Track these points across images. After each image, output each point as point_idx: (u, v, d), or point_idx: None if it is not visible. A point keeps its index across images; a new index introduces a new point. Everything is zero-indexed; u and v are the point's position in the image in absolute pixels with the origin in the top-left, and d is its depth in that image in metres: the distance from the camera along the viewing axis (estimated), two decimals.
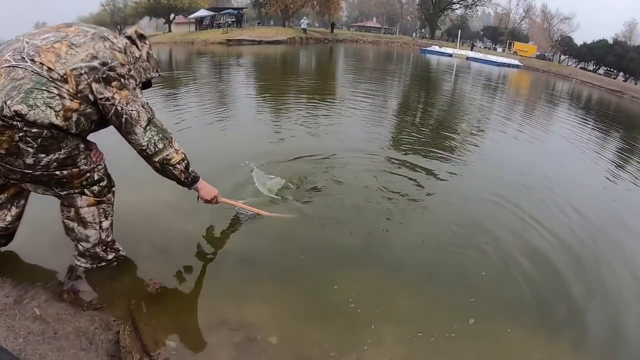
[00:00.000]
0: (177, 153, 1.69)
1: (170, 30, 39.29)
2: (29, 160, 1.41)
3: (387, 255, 2.27)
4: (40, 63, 1.36)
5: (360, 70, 14.34)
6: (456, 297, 1.99)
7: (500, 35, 47.47)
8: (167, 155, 1.65)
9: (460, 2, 44.34)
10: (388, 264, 2.19)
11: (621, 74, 37.58)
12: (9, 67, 1.34)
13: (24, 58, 1.36)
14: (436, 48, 29.22)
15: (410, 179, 3.43)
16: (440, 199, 3.10)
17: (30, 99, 1.31)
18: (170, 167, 1.69)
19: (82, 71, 1.40)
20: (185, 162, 1.75)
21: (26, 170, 1.44)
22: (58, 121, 1.37)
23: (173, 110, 5.47)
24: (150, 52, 1.75)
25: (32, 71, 1.34)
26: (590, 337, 1.87)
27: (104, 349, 1.40)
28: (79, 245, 1.76)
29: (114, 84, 1.48)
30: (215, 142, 4.12)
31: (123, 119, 1.53)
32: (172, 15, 40.37)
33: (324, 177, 3.21)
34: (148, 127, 1.58)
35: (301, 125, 5.03)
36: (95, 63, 1.43)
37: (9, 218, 1.71)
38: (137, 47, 1.69)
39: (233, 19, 32.90)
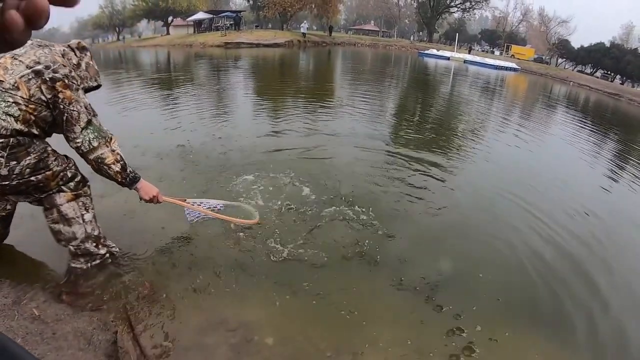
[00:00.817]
0: (112, 153, 1.73)
1: (168, 33, 39.39)
2: (3, 172, 1.50)
3: (385, 257, 2.28)
4: None
5: (358, 73, 14.38)
6: (454, 298, 2.00)
7: (497, 38, 47.66)
8: (101, 154, 1.70)
9: (458, 6, 44.50)
10: (385, 266, 2.20)
11: (618, 76, 37.81)
12: None
13: None
14: (434, 51, 29.27)
15: (409, 178, 3.44)
16: (440, 198, 3.12)
17: None
18: (105, 167, 1.73)
19: (30, 77, 1.52)
20: (121, 163, 1.77)
21: (3, 182, 1.52)
22: (19, 126, 1.49)
23: (171, 108, 5.49)
24: (91, 62, 1.87)
25: None
26: (590, 338, 1.89)
27: (102, 349, 1.42)
28: (70, 246, 1.80)
29: (59, 83, 1.58)
30: (212, 137, 4.14)
31: (64, 117, 1.61)
32: (170, 18, 40.47)
33: (320, 174, 3.21)
34: (85, 127, 1.66)
35: (298, 122, 5.04)
36: (40, 67, 1.55)
37: (9, 207, 1.83)
38: (75, 54, 1.80)
39: (231, 22, 32.97)
